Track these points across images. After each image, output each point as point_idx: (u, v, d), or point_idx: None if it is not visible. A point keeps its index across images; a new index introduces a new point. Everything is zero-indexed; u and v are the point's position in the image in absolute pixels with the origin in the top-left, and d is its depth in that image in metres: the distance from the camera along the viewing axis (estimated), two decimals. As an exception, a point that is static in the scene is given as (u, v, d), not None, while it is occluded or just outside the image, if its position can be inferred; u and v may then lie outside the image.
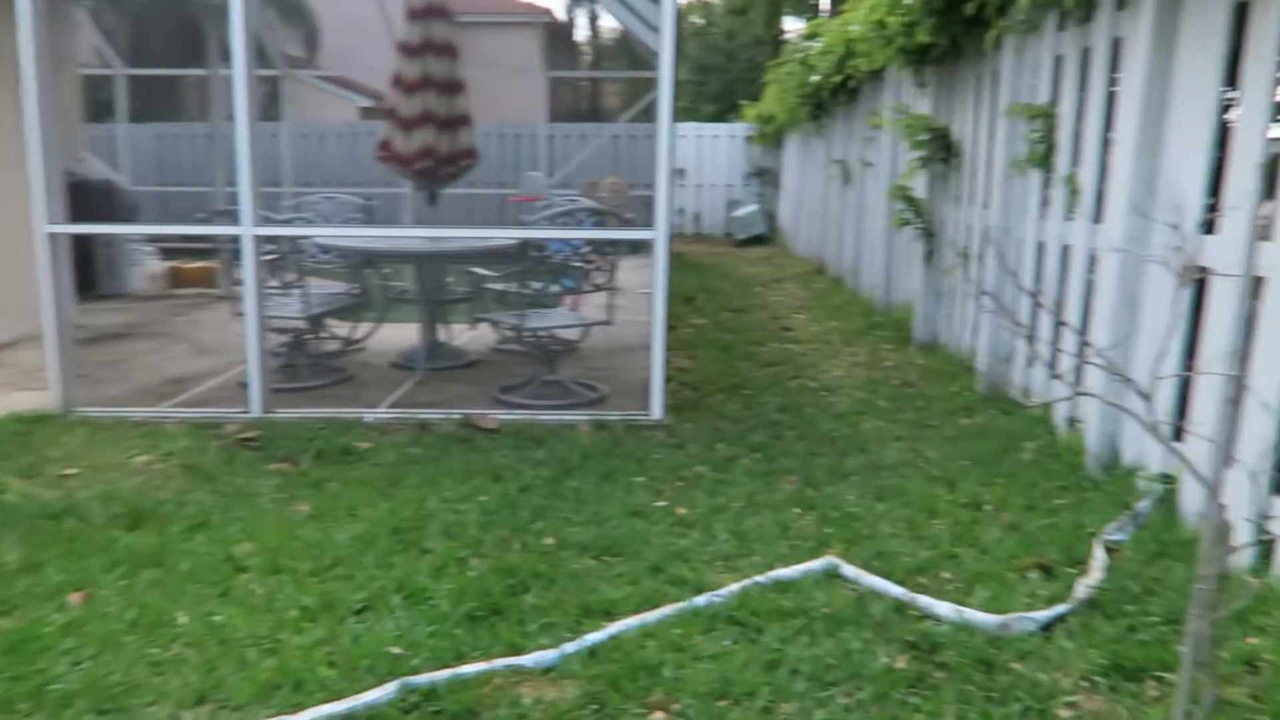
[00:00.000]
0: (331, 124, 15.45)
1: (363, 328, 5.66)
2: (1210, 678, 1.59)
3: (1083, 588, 2.55)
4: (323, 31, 20.21)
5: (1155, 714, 2.02)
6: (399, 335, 5.86)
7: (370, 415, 4.40)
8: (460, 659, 2.26)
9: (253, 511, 3.19)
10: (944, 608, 2.46)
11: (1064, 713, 2.04)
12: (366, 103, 18.25)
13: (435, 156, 5.48)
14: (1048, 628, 2.39)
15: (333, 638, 2.35)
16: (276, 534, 2.97)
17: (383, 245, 5.36)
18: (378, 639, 2.33)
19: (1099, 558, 2.74)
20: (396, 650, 2.28)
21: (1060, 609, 2.44)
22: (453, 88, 5.51)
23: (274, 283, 5.23)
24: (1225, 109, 3.10)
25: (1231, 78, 3.02)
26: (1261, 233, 2.81)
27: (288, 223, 5.50)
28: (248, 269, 4.29)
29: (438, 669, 2.20)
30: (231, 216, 4.38)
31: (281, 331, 5.18)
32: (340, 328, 5.63)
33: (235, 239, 4.37)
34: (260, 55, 6.20)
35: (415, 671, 2.18)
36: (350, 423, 4.27)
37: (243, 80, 4.11)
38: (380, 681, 2.14)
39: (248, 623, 2.42)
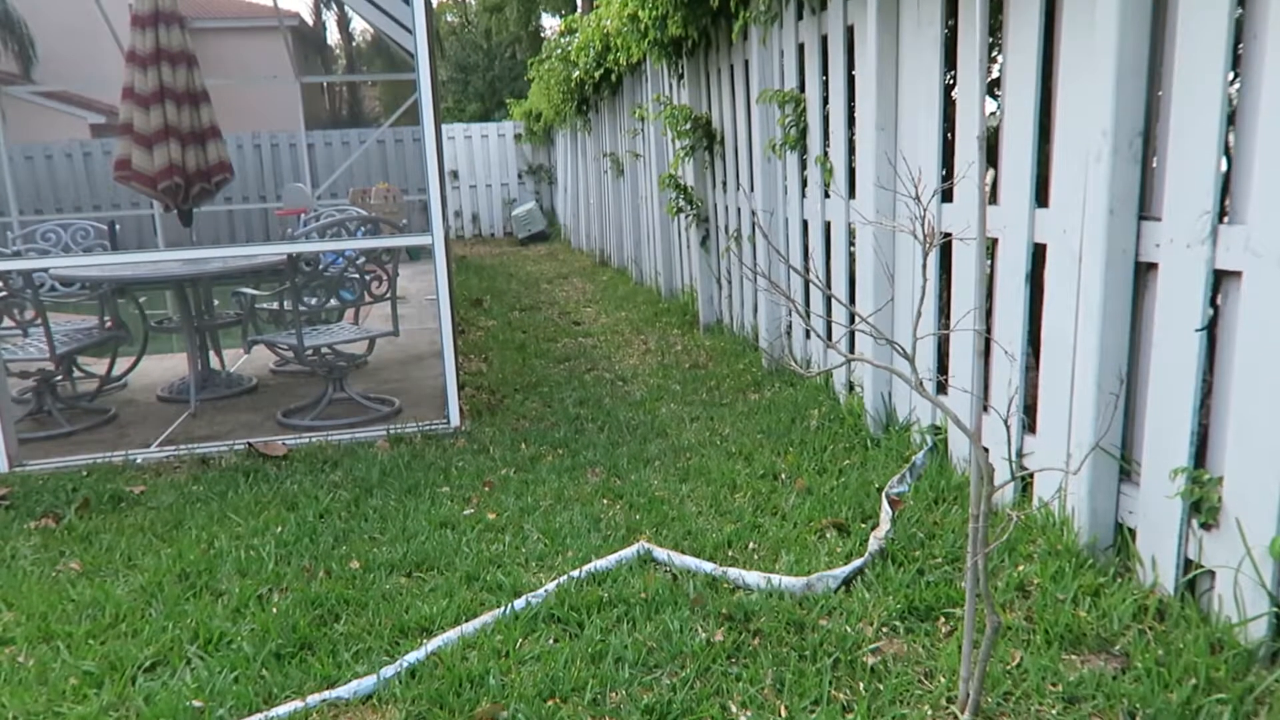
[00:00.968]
0: (60, 144, 14.09)
1: (123, 362, 5.22)
2: (990, 607, 1.75)
3: (875, 540, 2.73)
4: (38, 45, 18.47)
5: (948, 648, 2.20)
6: (166, 366, 5.44)
7: (141, 456, 4.06)
8: (270, 701, 2.13)
9: (11, 577, 2.87)
10: (753, 577, 2.57)
11: (870, 659, 2.18)
12: (99, 119, 16.82)
13: (183, 173, 5.10)
14: (848, 583, 2.55)
15: (122, 701, 2.16)
16: (43, 597, 2.69)
17: (133, 272, 4.94)
18: (174, 695, 2.16)
19: (886, 510, 2.94)
20: (198, 703, 2.12)
21: (857, 563, 2.60)
22: (195, 98, 5.15)
23: (9, 323, 4.75)
24: (951, 88, 3.39)
25: (952, 59, 3.31)
26: (990, 198, 3.10)
27: (16, 255, 4.98)
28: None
29: (246, 716, 2.07)
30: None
31: (25, 376, 4.70)
32: (97, 364, 5.16)
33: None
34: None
35: (222, 723, 2.05)
36: (119, 466, 3.92)
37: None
38: (183, 741, 1.99)
39: (17, 700, 2.18)
